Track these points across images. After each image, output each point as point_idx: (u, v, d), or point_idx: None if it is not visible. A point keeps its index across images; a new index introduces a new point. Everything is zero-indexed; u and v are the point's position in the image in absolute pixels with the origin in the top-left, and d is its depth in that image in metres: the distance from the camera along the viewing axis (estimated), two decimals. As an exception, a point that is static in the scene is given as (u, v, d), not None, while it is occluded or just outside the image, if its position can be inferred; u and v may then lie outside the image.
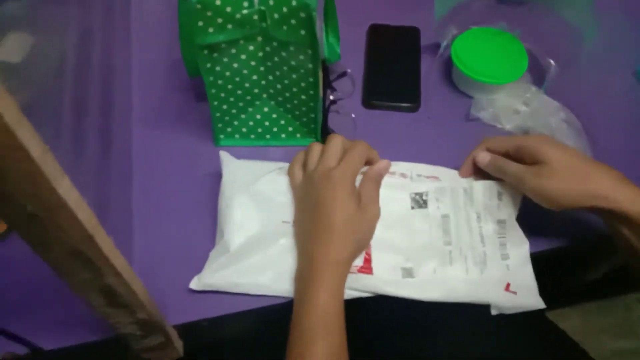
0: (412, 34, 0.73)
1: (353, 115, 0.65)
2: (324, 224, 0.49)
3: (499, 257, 0.53)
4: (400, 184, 0.55)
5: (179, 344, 0.53)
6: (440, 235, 0.53)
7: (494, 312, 0.51)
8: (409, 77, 0.68)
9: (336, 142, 0.53)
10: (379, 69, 0.69)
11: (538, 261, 0.55)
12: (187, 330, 0.53)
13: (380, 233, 0.52)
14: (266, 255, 0.52)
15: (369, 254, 0.52)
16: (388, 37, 0.73)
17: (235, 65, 0.55)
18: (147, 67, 0.69)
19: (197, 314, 0.53)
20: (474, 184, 0.55)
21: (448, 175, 0.57)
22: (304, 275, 0.50)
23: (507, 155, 0.53)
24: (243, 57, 0.54)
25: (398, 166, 0.57)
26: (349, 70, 0.69)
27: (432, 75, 0.69)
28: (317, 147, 0.54)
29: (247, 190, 0.55)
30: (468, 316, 0.63)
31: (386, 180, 0.55)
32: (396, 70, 0.69)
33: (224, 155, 0.58)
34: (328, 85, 0.66)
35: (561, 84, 0.64)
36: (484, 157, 0.54)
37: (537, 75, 0.66)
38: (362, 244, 0.52)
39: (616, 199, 0.47)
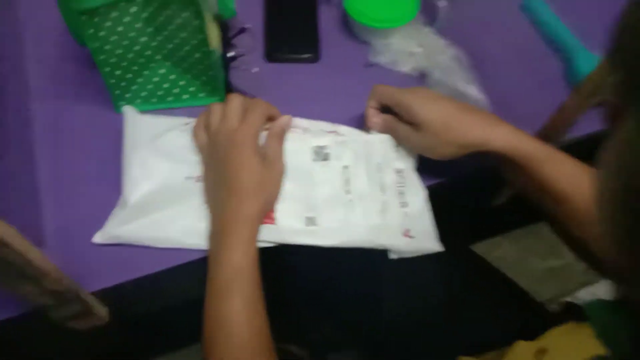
0: (309, -16, 0.73)
1: (256, 70, 0.66)
2: (231, 185, 0.51)
3: (398, 205, 0.56)
4: (302, 138, 0.57)
5: (101, 310, 0.54)
6: (342, 185, 0.56)
7: (393, 256, 0.54)
8: (308, 28, 0.69)
9: (236, 103, 0.54)
10: (278, 22, 0.70)
11: (443, 195, 0.59)
12: (110, 295, 0.54)
13: (283, 185, 0.55)
14: (170, 209, 0.54)
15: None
16: (285, -11, 0.73)
17: (119, 28, 0.54)
18: (38, 36, 0.67)
19: (115, 278, 0.54)
20: (372, 137, 0.58)
21: (348, 131, 0.59)
22: (216, 234, 0.51)
23: (386, 106, 0.56)
24: (126, 19, 0.54)
25: (299, 121, 0.58)
26: (248, 26, 0.69)
27: (330, 24, 0.70)
28: (217, 108, 0.55)
29: (148, 145, 0.55)
30: (403, 266, 0.67)
31: (288, 135, 0.57)
32: (295, 23, 0.70)
33: (128, 110, 0.58)
34: (227, 42, 0.66)
35: (452, 22, 0.67)
36: (376, 123, 0.57)
37: (430, 15, 0.68)
38: (270, 200, 0.54)
39: (489, 141, 0.51)
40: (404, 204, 0.56)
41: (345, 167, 0.56)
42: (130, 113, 0.58)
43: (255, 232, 0.51)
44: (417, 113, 0.53)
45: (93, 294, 0.53)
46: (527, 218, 1.41)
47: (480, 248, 1.37)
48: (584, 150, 0.65)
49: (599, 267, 0.52)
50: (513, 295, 0.71)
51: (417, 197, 0.57)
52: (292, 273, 0.68)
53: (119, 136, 0.59)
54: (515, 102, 0.65)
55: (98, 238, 0.53)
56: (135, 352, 1.02)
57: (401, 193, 0.57)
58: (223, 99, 0.63)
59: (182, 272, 0.56)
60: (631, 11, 0.21)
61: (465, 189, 0.68)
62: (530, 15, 0.73)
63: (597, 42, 0.66)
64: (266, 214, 0.53)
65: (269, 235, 0.52)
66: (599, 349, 0.37)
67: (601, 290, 1.02)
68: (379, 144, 0.58)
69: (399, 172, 0.57)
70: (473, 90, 0.62)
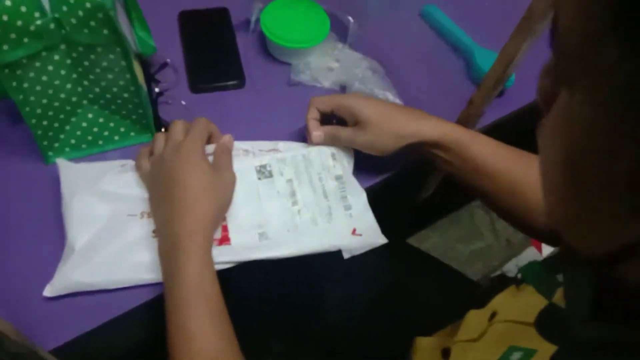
0: (223, 14, 0.76)
1: (183, 103, 0.67)
2: (180, 195, 0.50)
3: (342, 209, 0.60)
4: (244, 159, 0.59)
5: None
6: (288, 198, 0.59)
7: (346, 255, 0.58)
8: (229, 56, 0.71)
9: (178, 124, 0.56)
10: (198, 53, 0.71)
11: (379, 194, 0.64)
12: (68, 353, 0.52)
13: (233, 206, 0.56)
14: (117, 248, 0.53)
15: (225, 227, 0.55)
16: (200, 21, 0.75)
17: (44, 78, 0.53)
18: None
19: (71, 331, 0.52)
20: (309, 149, 0.62)
21: (286, 146, 0.63)
22: (168, 250, 0.49)
23: (332, 113, 0.60)
24: (50, 67, 0.53)
25: (240, 144, 0.61)
26: (168, 60, 0.70)
27: (250, 49, 0.73)
28: (160, 136, 0.56)
29: (87, 190, 0.55)
30: (343, 267, 0.70)
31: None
32: (215, 52, 0.72)
33: (61, 162, 0.58)
34: (151, 78, 0.66)
35: (363, 37, 0.73)
36: (318, 137, 0.61)
37: (341, 32, 0.73)
38: (222, 208, 0.54)
39: (422, 131, 0.57)
40: (347, 207, 0.60)
41: (289, 180, 0.59)
42: (63, 164, 0.57)
43: (210, 242, 0.50)
44: (359, 111, 0.57)
45: (52, 352, 0.51)
46: (447, 208, 1.51)
47: (412, 242, 1.46)
48: (494, 136, 0.73)
49: (531, 230, 0.58)
50: (451, 276, 0.78)
51: (358, 198, 0.61)
52: (234, 291, 0.69)
53: (51, 188, 0.57)
54: (427, 102, 0.71)
55: (48, 291, 0.51)
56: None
57: (343, 197, 0.60)
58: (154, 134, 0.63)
59: (141, 311, 0.55)
60: None
61: (397, 185, 0.73)
62: (430, 22, 0.81)
63: (489, 41, 0.75)
64: (222, 236, 0.54)
65: (226, 256, 0.54)
66: (541, 302, 0.43)
67: (523, 260, 1.12)
68: (316, 156, 0.61)
69: (338, 178, 0.61)
70: (389, 96, 0.68)
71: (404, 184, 0.77)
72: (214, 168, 0.54)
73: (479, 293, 0.62)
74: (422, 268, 0.77)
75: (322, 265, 0.71)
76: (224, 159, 0.56)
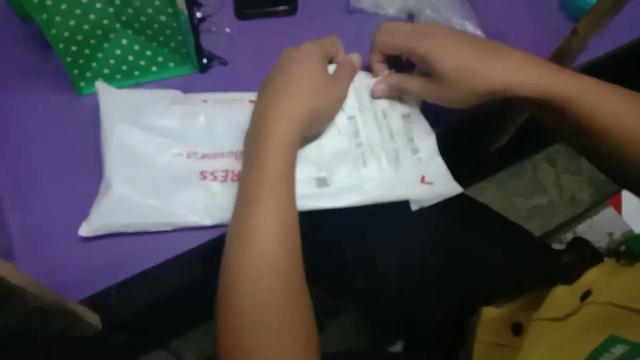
0: None
1: (228, 30, 0.59)
2: (284, 82, 0.45)
3: (409, 152, 0.52)
4: None
5: (93, 318, 0.49)
6: (351, 138, 0.51)
7: (414, 207, 0.50)
8: (280, -23, 0.62)
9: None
10: (245, -27, 0.62)
11: (447, 141, 0.55)
12: (99, 302, 0.48)
13: None
14: (158, 189, 0.47)
15: None
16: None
17: (69, -5, 0.46)
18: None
19: (102, 282, 0.47)
20: (374, 81, 0.53)
21: None
22: (253, 134, 0.45)
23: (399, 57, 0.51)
24: (76, -18, 0.46)
25: None
26: (213, -19, 0.61)
27: (303, -30, 0.64)
28: None
29: (131, 120, 0.49)
30: (397, 215, 0.63)
31: None
32: (264, -28, 0.62)
33: (101, 86, 0.51)
34: (193, 2, 0.58)
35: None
36: (382, 90, 0.51)
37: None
38: (326, 114, 0.48)
39: (512, 87, 0.46)
40: (414, 150, 0.52)
41: (351, 117, 0.52)
42: (104, 88, 0.51)
43: (298, 137, 0.44)
44: (435, 63, 0.46)
45: (81, 302, 0.47)
46: (509, 160, 1.40)
47: (468, 194, 1.37)
48: (596, 74, 0.62)
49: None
50: (518, 235, 0.69)
51: (427, 141, 0.53)
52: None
53: (84, 121, 0.52)
54: (512, 35, 0.60)
55: (84, 231, 0.46)
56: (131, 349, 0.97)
57: (410, 139, 0.52)
58: (197, 67, 0.56)
59: (171, 265, 0.50)
60: None
61: (465, 133, 0.64)
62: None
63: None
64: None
65: None
66: None
67: (600, 222, 1.02)
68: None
69: (405, 117, 0.53)
70: (469, 27, 0.58)
71: (474, 132, 0.68)
72: (332, 76, 0.48)
73: (563, 261, 0.54)
74: (484, 224, 0.69)
75: (377, 218, 0.64)
76: (345, 72, 0.50)
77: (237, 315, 0.39)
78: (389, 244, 0.65)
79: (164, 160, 0.49)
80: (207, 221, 0.47)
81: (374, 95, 0.52)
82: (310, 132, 0.48)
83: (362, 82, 0.53)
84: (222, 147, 0.50)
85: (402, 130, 0.52)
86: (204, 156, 0.50)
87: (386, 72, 0.52)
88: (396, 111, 0.52)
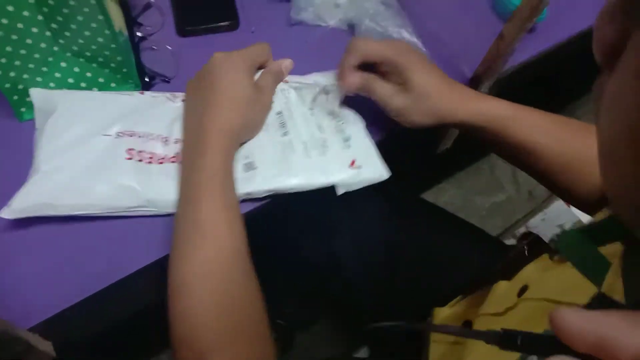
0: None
1: (169, 47, 0.59)
2: (216, 96, 0.47)
3: (340, 140, 0.54)
4: None
5: (45, 345, 0.48)
6: (277, 129, 0.53)
7: (340, 191, 0.52)
8: (220, -6, 0.63)
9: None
10: (185, -9, 0.63)
11: (392, 145, 0.57)
12: (51, 328, 0.48)
13: None
14: (85, 170, 0.48)
15: None
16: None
17: (4, 20, 0.46)
18: None
19: (54, 305, 0.47)
20: (299, 87, 0.55)
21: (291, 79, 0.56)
22: (193, 145, 0.47)
23: (374, 64, 0.53)
24: (10, 8, 0.46)
25: None
26: (152, 0, 0.62)
27: (243, -15, 0.65)
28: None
29: (61, 112, 0.50)
30: (356, 223, 0.64)
31: None
32: (204, -11, 0.63)
33: (34, 91, 0.52)
34: (133, 21, 0.59)
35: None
36: (353, 83, 0.52)
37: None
38: (253, 125, 0.51)
39: (457, 116, 0.51)
40: (346, 139, 0.54)
41: (279, 113, 0.54)
42: (36, 92, 0.51)
43: (234, 146, 0.48)
44: (410, 74, 0.50)
45: (31, 329, 0.46)
46: (465, 160, 1.44)
47: (428, 196, 1.39)
48: (527, 76, 0.65)
49: (578, 201, 0.53)
50: (472, 235, 0.71)
51: (356, 126, 0.55)
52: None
53: (27, 145, 0.51)
54: (448, 40, 0.63)
55: (5, 213, 0.45)
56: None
57: (340, 130, 0.54)
58: (139, 85, 0.56)
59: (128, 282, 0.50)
60: None
61: (411, 138, 0.66)
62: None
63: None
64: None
65: None
66: (577, 280, 0.37)
67: (550, 215, 1.05)
68: (308, 91, 0.55)
69: (333, 112, 0.55)
70: (405, 34, 0.60)
71: (419, 136, 0.70)
72: (258, 87, 0.51)
73: (506, 257, 0.56)
74: (440, 226, 0.71)
75: (335, 221, 0.65)
76: (268, 80, 0.53)
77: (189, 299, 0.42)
78: (354, 247, 0.66)
79: (92, 143, 0.49)
80: (134, 202, 0.48)
81: (345, 87, 0.53)
82: (241, 140, 0.51)
83: (288, 85, 0.55)
84: (152, 129, 0.51)
85: (332, 122, 0.54)
86: (133, 134, 0.50)
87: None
88: (323, 107, 0.55)
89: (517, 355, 0.29)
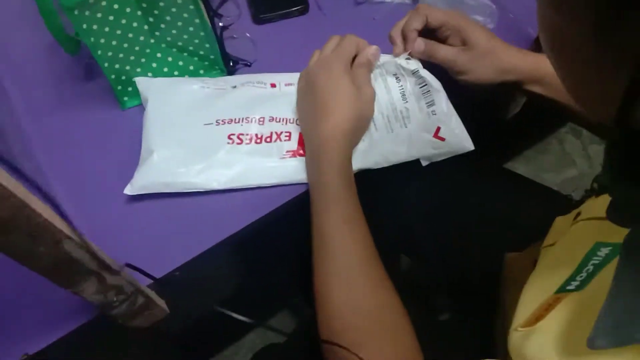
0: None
1: (248, 35, 0.65)
2: (322, 102, 0.52)
3: (424, 106, 0.55)
4: None
5: (161, 301, 0.54)
6: None
7: (424, 163, 0.54)
8: (289, -18, 0.68)
9: (332, 39, 0.57)
10: (257, -17, 0.68)
11: (463, 109, 0.59)
12: (163, 287, 0.54)
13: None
14: (193, 154, 0.54)
15: (300, 140, 0.55)
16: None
17: (111, 17, 0.53)
18: (19, 59, 0.65)
19: (165, 266, 0.53)
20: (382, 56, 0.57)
21: None
22: (313, 156, 0.52)
23: (428, 29, 0.56)
24: (115, 6, 0.52)
25: None
26: (229, -7, 0.67)
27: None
28: (315, 52, 0.58)
29: (166, 100, 0.57)
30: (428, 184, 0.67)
31: None
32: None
33: (140, 80, 0.58)
34: (213, 13, 0.65)
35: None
36: (419, 45, 0.56)
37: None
38: (363, 119, 0.54)
39: (518, 68, 0.55)
40: (430, 104, 0.55)
41: None
42: (143, 81, 0.58)
43: (349, 148, 0.52)
44: (471, 32, 0.54)
45: (149, 286, 0.52)
46: (532, 138, 1.41)
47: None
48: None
49: None
50: (544, 194, 0.72)
51: (439, 94, 0.55)
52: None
53: (129, 130, 0.58)
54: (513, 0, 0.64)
55: (128, 190, 0.53)
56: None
57: (425, 93, 0.55)
58: (224, 70, 0.62)
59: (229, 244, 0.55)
60: None
61: (481, 108, 0.68)
62: None
63: None
64: (297, 147, 0.55)
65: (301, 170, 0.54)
66: None
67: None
68: (388, 57, 0.57)
69: (414, 72, 0.55)
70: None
71: (488, 105, 0.72)
72: (354, 83, 0.53)
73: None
74: (511, 187, 0.72)
75: (403, 185, 0.68)
76: (362, 72, 0.55)
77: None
78: (424, 213, 0.68)
79: (197, 130, 0.55)
80: (234, 182, 0.54)
81: (412, 49, 0.55)
82: (358, 137, 0.54)
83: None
84: (247, 114, 0.56)
85: (415, 86, 0.55)
86: (231, 121, 0.56)
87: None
88: (406, 70, 0.55)
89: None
